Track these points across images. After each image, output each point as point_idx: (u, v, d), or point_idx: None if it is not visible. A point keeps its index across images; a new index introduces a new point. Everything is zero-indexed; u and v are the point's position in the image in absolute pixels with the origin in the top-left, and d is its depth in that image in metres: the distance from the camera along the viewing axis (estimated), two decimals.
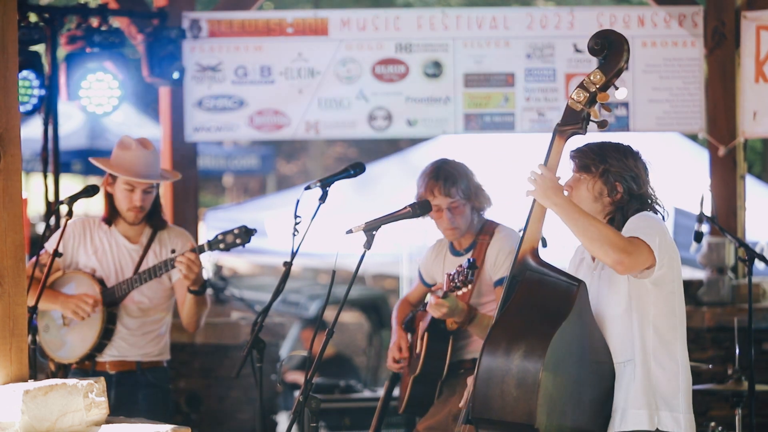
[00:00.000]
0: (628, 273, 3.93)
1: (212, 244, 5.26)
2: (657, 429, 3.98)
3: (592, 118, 4.02)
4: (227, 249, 5.25)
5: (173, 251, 5.37)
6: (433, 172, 5.21)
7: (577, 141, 4.15)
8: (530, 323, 3.90)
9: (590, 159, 4.09)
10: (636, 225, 4.00)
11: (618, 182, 4.08)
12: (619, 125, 7.44)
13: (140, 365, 5.50)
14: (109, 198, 5.51)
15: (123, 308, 5.46)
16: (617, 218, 4.09)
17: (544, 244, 4.41)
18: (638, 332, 3.99)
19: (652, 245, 3.92)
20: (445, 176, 5.17)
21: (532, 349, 3.81)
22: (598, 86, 3.99)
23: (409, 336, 5.35)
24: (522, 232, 4.06)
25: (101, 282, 5.47)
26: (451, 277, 4.82)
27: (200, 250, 5.29)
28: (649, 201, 4.13)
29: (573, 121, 4.00)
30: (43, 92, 6.83)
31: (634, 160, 4.12)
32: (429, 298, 4.97)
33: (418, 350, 5.17)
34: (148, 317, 5.52)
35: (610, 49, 4.00)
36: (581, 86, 4.01)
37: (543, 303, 3.93)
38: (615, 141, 4.18)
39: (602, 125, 4.01)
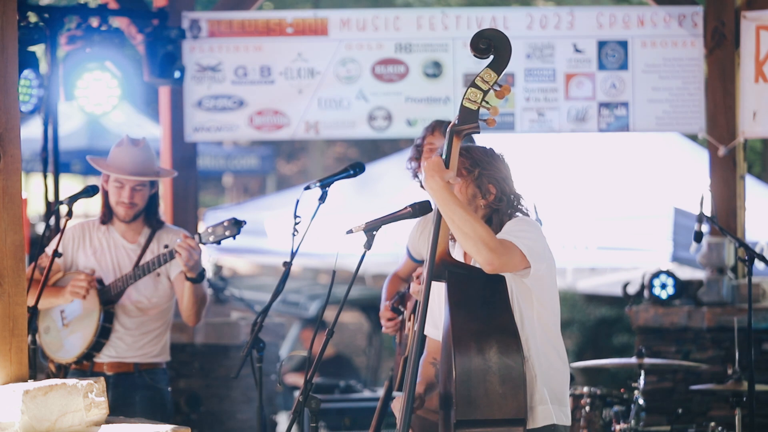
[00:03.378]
0: (496, 273, 3.96)
1: (203, 237, 5.27)
2: (554, 424, 4.03)
3: (488, 116, 4.05)
4: (218, 241, 5.26)
5: (166, 246, 5.38)
6: (439, 121, 5.42)
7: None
8: (485, 318, 3.91)
9: (461, 163, 4.11)
10: (512, 228, 4.05)
11: (491, 184, 4.13)
12: (619, 125, 7.44)
13: (138, 366, 5.50)
14: (106, 195, 5.52)
15: (120, 307, 5.46)
16: (494, 221, 4.12)
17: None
18: (529, 331, 4.03)
19: (524, 249, 3.96)
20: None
21: (506, 344, 3.84)
22: (491, 84, 4.01)
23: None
24: (432, 237, 4.04)
25: (99, 281, 5.47)
26: None
27: None
28: (518, 202, 4.17)
29: (470, 120, 4.02)
30: (42, 92, 6.83)
31: (502, 162, 4.19)
32: (412, 284, 4.97)
33: (407, 330, 5.19)
34: (147, 316, 5.52)
35: (497, 48, 4.02)
36: (474, 86, 4.02)
37: (483, 296, 3.96)
38: (480, 145, 4.24)
39: (490, 123, 4.03)
